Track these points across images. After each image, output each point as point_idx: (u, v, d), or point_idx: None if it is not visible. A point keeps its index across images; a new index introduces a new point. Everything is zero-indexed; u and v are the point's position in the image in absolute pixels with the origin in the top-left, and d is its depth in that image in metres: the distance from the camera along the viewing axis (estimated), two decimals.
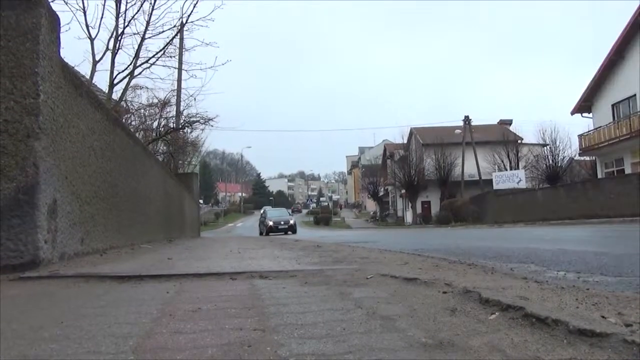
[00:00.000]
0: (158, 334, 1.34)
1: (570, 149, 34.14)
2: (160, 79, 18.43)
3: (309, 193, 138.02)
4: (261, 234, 29.11)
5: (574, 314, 1.34)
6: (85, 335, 1.33)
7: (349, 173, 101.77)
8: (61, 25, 3.24)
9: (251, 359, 1.11)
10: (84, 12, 8.79)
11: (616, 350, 1.08)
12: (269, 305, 1.73)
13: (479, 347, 1.18)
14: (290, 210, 41.63)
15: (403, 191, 45.18)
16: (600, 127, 27.13)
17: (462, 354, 1.13)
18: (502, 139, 38.69)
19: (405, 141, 47.67)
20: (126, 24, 9.55)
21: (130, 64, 9.95)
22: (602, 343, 1.11)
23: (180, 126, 14.95)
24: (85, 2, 8.86)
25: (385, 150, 58.34)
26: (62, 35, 3.23)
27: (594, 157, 30.17)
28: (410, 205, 43.64)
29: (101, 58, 9.34)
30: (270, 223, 28.89)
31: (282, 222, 29.12)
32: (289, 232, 27.75)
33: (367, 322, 1.45)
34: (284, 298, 1.89)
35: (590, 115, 29.14)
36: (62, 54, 3.24)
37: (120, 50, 9.63)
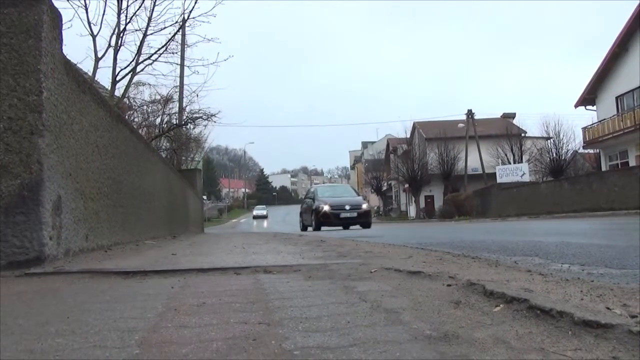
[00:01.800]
0: (163, 328, 1.35)
1: (574, 141, 34.17)
2: (163, 75, 18.39)
3: None
4: (305, 229, 17.56)
5: (578, 306, 1.34)
6: (91, 329, 1.34)
7: (352, 168, 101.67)
8: (63, 22, 3.24)
9: (256, 353, 1.11)
10: (86, 9, 8.78)
11: (621, 341, 1.07)
12: (274, 300, 1.74)
13: (483, 339, 1.18)
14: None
15: (406, 186, 45.16)
16: (604, 119, 27.03)
17: (466, 346, 1.13)
18: (505, 132, 38.64)
19: (408, 135, 47.63)
20: (128, 20, 9.53)
21: (133, 60, 9.94)
22: (607, 334, 1.11)
23: (183, 122, 14.96)
24: None
25: (388, 144, 58.29)
26: (64, 32, 3.22)
27: (598, 150, 30.08)
28: (413, 199, 43.64)
29: (103, 55, 9.35)
30: (325, 208, 15.86)
31: (348, 207, 16.04)
32: (358, 225, 16.30)
33: (372, 315, 1.45)
34: (288, 292, 1.89)
35: (594, 107, 29.02)
36: (64, 51, 3.24)
37: (122, 47, 9.61)
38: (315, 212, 16.23)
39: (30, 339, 1.25)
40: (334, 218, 15.90)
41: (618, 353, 1.03)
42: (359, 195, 20.20)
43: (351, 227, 16.21)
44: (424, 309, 1.52)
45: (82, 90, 3.61)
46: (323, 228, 16.06)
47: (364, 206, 16.79)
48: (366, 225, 16.40)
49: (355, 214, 16.04)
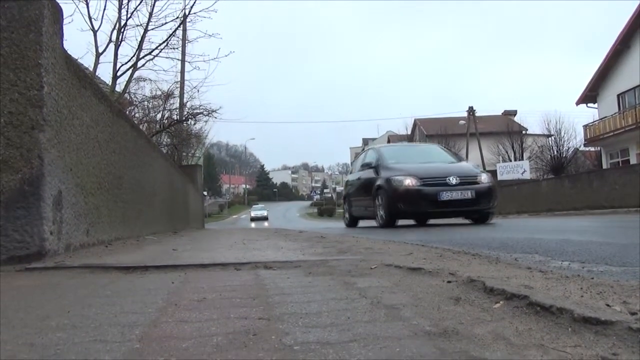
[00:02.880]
0: (164, 323, 1.35)
1: (575, 139, 34.19)
2: (164, 70, 18.52)
3: (313, 185, 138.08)
4: (354, 223, 10.76)
5: (578, 303, 1.34)
6: (92, 324, 1.34)
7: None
8: (64, 17, 3.23)
9: (256, 347, 1.12)
10: (87, 4, 8.78)
11: (621, 338, 1.08)
12: (274, 295, 1.74)
13: (483, 335, 1.18)
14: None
15: None
16: (606, 117, 27.00)
17: (466, 342, 1.13)
18: (506, 129, 38.63)
19: (409, 132, 47.64)
20: (129, 15, 9.52)
21: (133, 55, 9.93)
22: (607, 331, 1.11)
23: (183, 118, 14.95)
24: None
25: (389, 141, 58.27)
26: (65, 27, 3.22)
27: (599, 148, 30.07)
28: None
29: (104, 50, 9.35)
30: (408, 182, 7.98)
31: (454, 181, 7.99)
32: (474, 215, 8.92)
33: (372, 311, 1.45)
34: (288, 288, 1.90)
35: (596, 105, 29.00)
36: (65, 46, 3.24)
37: (123, 42, 9.61)
38: (387, 190, 8.39)
39: (31, 333, 1.26)
40: (427, 203, 8.18)
41: (618, 350, 1.03)
42: (462, 159, 10.44)
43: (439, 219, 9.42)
44: (424, 305, 1.52)
45: (83, 85, 3.61)
46: (399, 218, 8.80)
47: (484, 178, 8.64)
48: (485, 215, 8.88)
49: (469, 194, 8.17)
